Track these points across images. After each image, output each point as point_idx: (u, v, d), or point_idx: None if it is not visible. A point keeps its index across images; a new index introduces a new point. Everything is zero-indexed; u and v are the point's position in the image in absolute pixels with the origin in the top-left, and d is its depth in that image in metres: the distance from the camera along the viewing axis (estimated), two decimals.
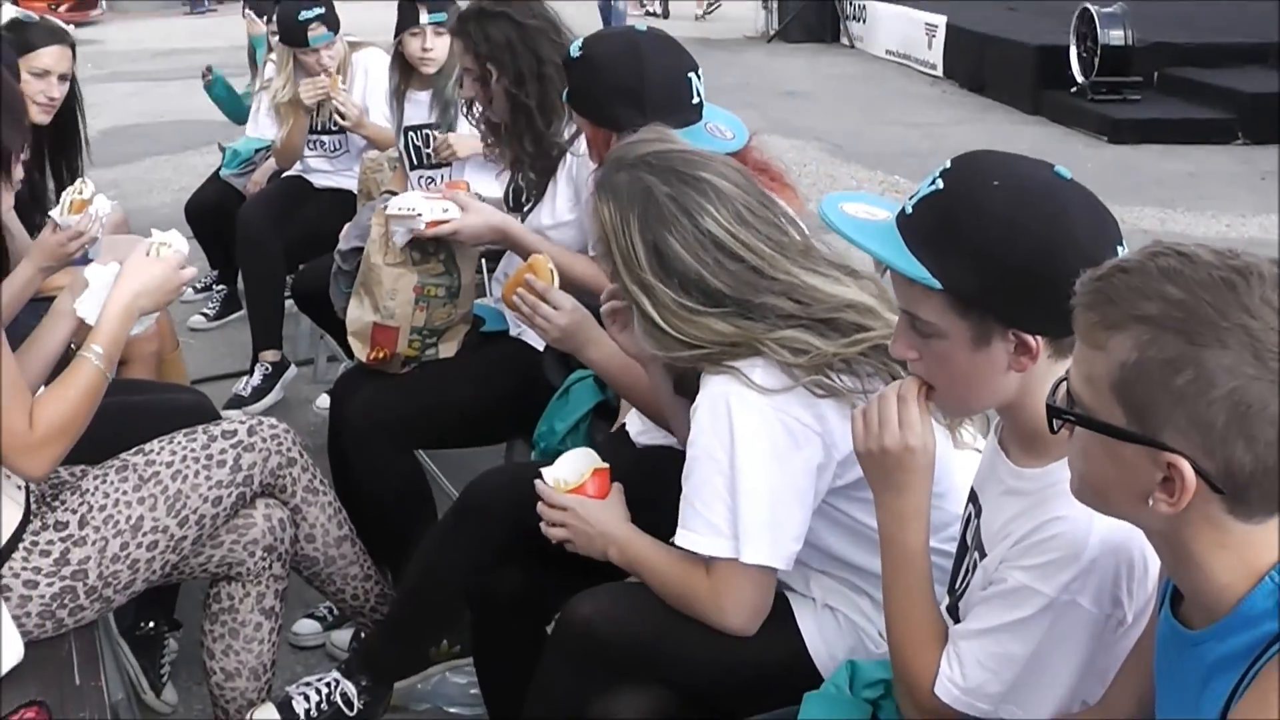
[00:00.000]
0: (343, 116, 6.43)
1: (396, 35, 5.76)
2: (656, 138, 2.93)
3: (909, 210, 2.21)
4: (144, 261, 3.37)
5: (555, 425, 3.81)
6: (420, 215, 4.09)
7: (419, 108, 5.85)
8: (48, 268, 4.05)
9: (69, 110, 5.11)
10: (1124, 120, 13.11)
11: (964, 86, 15.97)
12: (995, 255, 2.10)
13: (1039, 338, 2.14)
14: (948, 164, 2.22)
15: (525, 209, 4.47)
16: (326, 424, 4.74)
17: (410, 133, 5.87)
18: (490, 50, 4.40)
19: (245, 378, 6.60)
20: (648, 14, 23.43)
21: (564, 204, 4.29)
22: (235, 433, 3.52)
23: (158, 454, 3.41)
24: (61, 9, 24.80)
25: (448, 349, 4.31)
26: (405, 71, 5.80)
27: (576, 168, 4.25)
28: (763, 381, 2.66)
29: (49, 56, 5.02)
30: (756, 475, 2.64)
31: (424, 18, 5.68)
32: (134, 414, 3.90)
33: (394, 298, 4.15)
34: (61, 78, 5.04)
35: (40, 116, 4.91)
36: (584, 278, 3.92)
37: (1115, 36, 13.43)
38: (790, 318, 2.70)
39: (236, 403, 6.43)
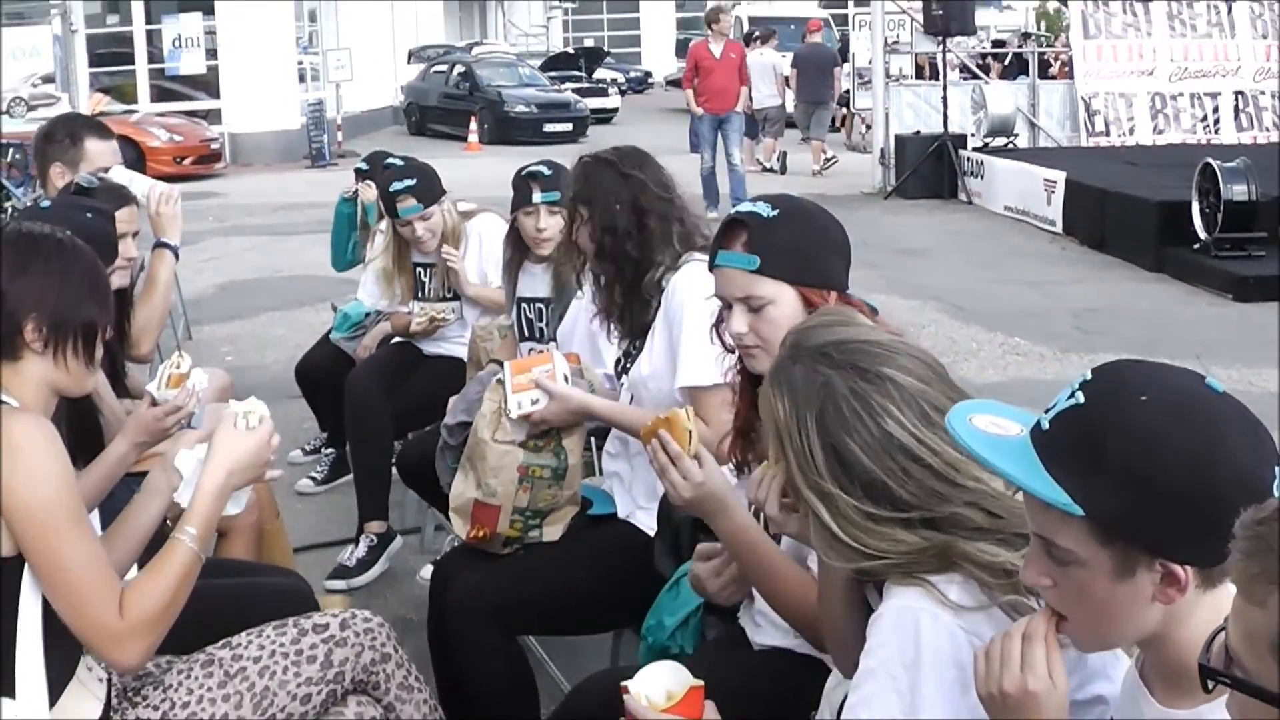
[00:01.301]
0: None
1: (512, 212, 5.74)
2: (838, 320, 2.75)
3: (1045, 426, 2.02)
4: (233, 437, 3.26)
5: (665, 619, 3.62)
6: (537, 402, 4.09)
7: (533, 279, 5.78)
8: (143, 443, 3.96)
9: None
10: (1249, 277, 12.75)
11: (1084, 243, 15.71)
12: (1143, 479, 1.91)
13: (1188, 568, 1.94)
14: (1088, 374, 2.03)
15: (629, 365, 4.36)
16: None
17: (524, 305, 5.80)
18: (584, 191, 4.40)
19: (351, 547, 6.47)
20: (765, 170, 23.43)
21: (660, 353, 4.15)
22: (327, 626, 3.37)
23: (245, 648, 3.27)
24: (186, 162, 25.32)
25: (552, 531, 4.16)
26: (519, 246, 5.76)
27: (670, 308, 4.13)
28: (959, 599, 2.41)
29: (124, 219, 5.03)
30: (940, 706, 2.36)
31: (537, 196, 5.62)
32: (228, 599, 3.78)
33: (497, 475, 4.03)
34: (134, 235, 5.09)
35: (120, 280, 4.92)
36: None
37: (1239, 191, 13.15)
38: (981, 530, 2.46)
39: (341, 573, 6.32)
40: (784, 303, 3.28)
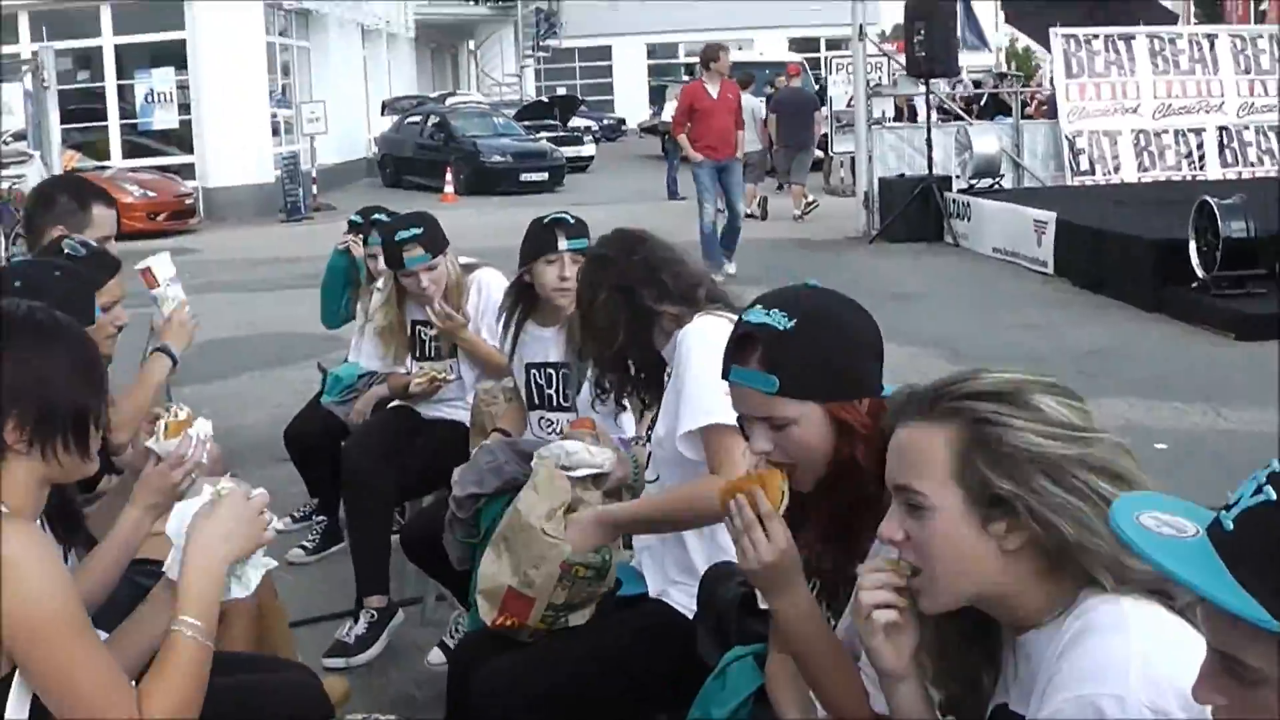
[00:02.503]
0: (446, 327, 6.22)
1: (524, 263, 5.42)
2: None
3: (1229, 526, 1.72)
4: (215, 504, 2.96)
5: (712, 712, 3.29)
6: (603, 467, 3.95)
7: (542, 344, 5.50)
8: (154, 505, 3.62)
9: None
10: (1251, 315, 12.55)
11: (1077, 284, 15.47)
12: None
13: None
14: (1275, 464, 1.73)
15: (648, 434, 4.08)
16: (438, 677, 4.29)
17: (533, 371, 5.49)
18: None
19: (349, 623, 6.14)
20: (746, 215, 23.22)
21: (671, 407, 3.90)
22: None
23: None
24: (160, 218, 25.07)
25: (579, 617, 3.86)
26: (527, 302, 5.46)
27: (678, 360, 3.90)
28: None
29: (113, 289, 4.85)
30: None
31: (563, 244, 5.30)
32: (238, 699, 3.47)
33: (538, 567, 3.72)
34: (118, 302, 4.89)
35: (110, 348, 4.77)
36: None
37: (1237, 229, 12.93)
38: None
39: (340, 650, 6.01)
40: (809, 422, 2.95)
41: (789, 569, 2.87)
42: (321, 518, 7.48)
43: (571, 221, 5.39)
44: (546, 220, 5.43)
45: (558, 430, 5.15)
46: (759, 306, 3.04)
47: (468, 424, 6.11)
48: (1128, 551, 1.85)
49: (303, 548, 7.41)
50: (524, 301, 5.45)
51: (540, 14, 57.27)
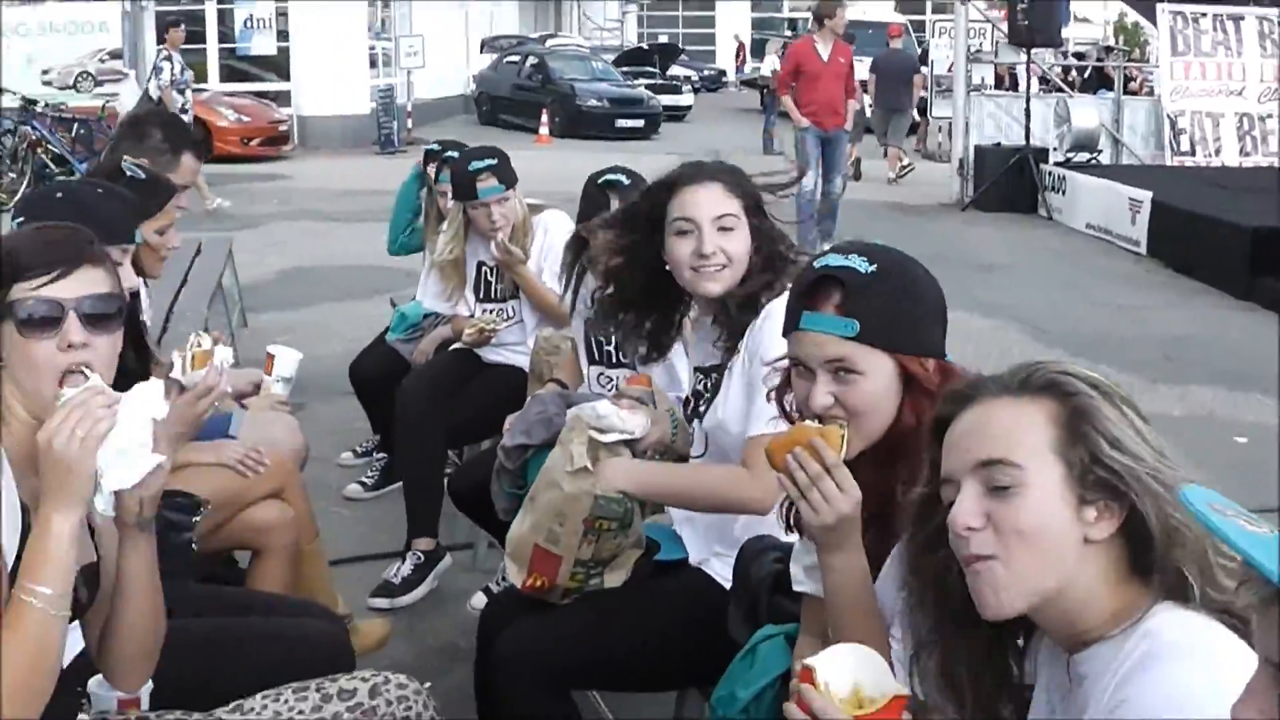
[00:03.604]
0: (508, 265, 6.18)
1: (580, 220, 5.32)
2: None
3: None
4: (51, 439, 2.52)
5: (738, 691, 3.18)
6: (633, 433, 3.74)
7: None
8: (179, 434, 3.63)
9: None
10: None
11: (1169, 266, 15.14)
12: None
13: None
14: None
15: (702, 408, 3.94)
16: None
17: (589, 324, 5.30)
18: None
19: (397, 563, 6.10)
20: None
21: (739, 394, 3.73)
22: (354, 693, 2.96)
23: (259, 714, 2.88)
24: (254, 143, 25.15)
25: (614, 578, 3.73)
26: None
27: (757, 349, 3.67)
28: None
29: (167, 213, 4.86)
30: None
31: (615, 206, 5.12)
32: (246, 646, 3.40)
33: (561, 524, 3.61)
34: (170, 225, 4.92)
35: (157, 270, 4.91)
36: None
37: None
38: None
39: (385, 590, 5.98)
40: (879, 375, 2.84)
41: (856, 522, 2.78)
42: (382, 455, 7.43)
43: (625, 183, 5.27)
44: (600, 180, 5.33)
45: (615, 387, 5.03)
46: (835, 253, 2.92)
47: (527, 370, 6.02)
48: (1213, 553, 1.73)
49: (361, 484, 7.38)
50: (582, 257, 5.33)
51: None
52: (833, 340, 2.84)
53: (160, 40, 18.74)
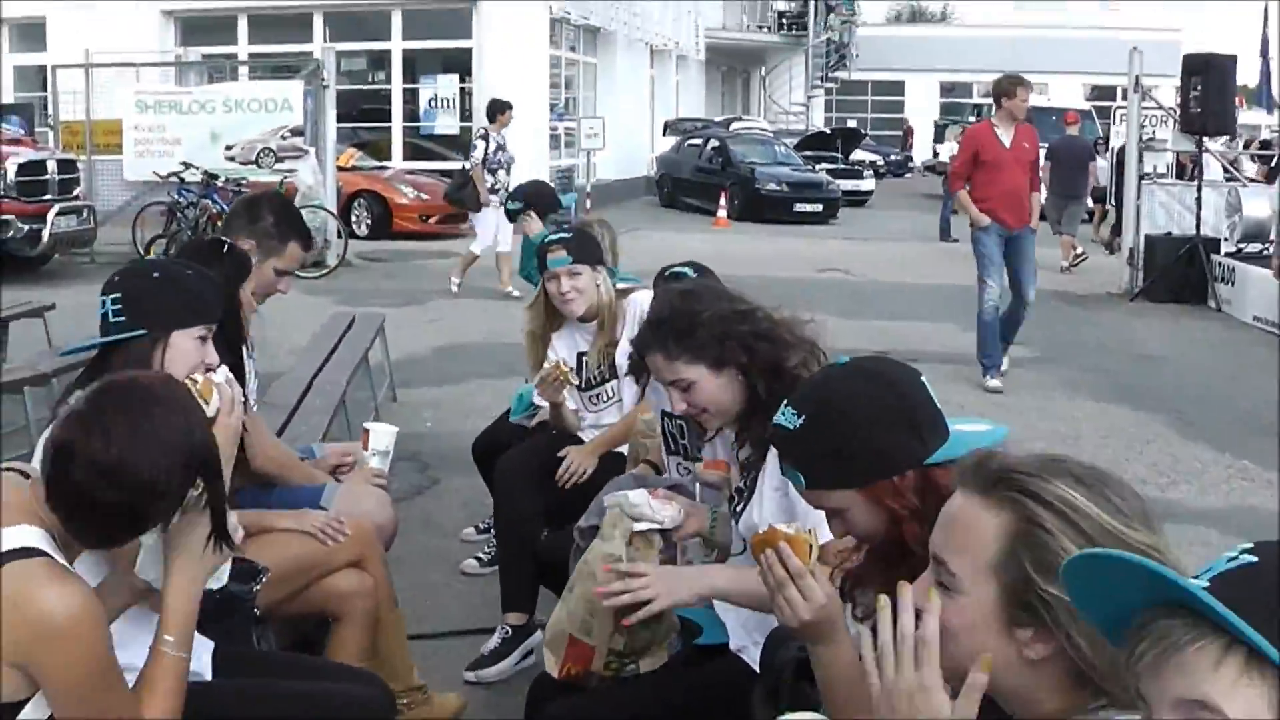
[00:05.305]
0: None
1: None
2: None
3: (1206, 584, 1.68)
4: (183, 526, 3.06)
5: None
6: (664, 523, 3.85)
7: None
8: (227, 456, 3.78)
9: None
10: None
11: None
12: None
13: None
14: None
15: (740, 507, 3.99)
16: None
17: (665, 419, 5.37)
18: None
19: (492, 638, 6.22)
20: None
21: (772, 501, 3.79)
22: None
23: None
24: (431, 220, 25.58)
25: (650, 664, 3.81)
26: None
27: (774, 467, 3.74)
28: None
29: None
30: None
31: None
32: (295, 705, 3.53)
33: (594, 614, 3.70)
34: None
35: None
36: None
37: None
38: None
39: (477, 663, 6.10)
40: (854, 506, 2.93)
41: (830, 620, 2.87)
42: None
43: (691, 275, 5.47)
44: (668, 273, 5.54)
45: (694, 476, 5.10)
46: (785, 404, 3.05)
47: (625, 452, 6.11)
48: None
49: (478, 559, 7.52)
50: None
51: (831, 44, 56.99)
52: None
53: (491, 120, 19.23)
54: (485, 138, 18.98)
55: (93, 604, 2.75)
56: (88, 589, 2.79)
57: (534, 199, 9.74)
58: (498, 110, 19.52)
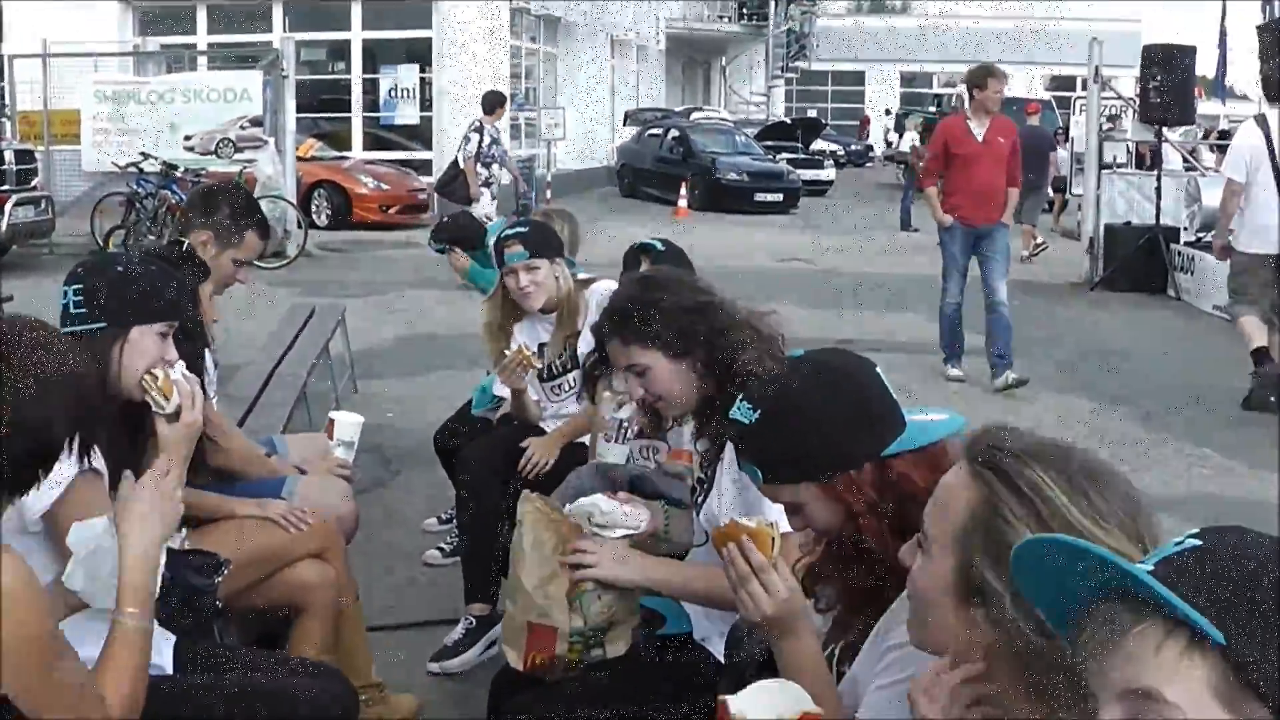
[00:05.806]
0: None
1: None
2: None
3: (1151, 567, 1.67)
4: (136, 501, 3.04)
5: None
6: (632, 528, 3.83)
7: None
8: (187, 455, 3.81)
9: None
10: None
11: None
12: None
13: None
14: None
15: (702, 499, 3.98)
16: None
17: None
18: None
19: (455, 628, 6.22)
20: None
21: (730, 492, 3.78)
22: None
23: None
24: (391, 211, 25.55)
25: (615, 647, 3.79)
26: None
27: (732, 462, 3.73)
28: None
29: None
30: None
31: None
32: (251, 699, 3.51)
33: (547, 595, 3.69)
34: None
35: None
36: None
37: None
38: None
39: (440, 654, 6.10)
40: (811, 500, 2.91)
41: (794, 614, 2.87)
42: None
43: (660, 249, 5.53)
44: (638, 246, 5.49)
45: (658, 459, 5.10)
46: (740, 400, 3.03)
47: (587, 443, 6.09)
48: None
49: (439, 549, 7.51)
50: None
51: (791, 35, 57.08)
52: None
53: (488, 112, 19.06)
54: (480, 130, 18.87)
55: (25, 571, 2.66)
56: (18, 557, 2.73)
57: (458, 237, 9.57)
58: (496, 103, 19.40)
